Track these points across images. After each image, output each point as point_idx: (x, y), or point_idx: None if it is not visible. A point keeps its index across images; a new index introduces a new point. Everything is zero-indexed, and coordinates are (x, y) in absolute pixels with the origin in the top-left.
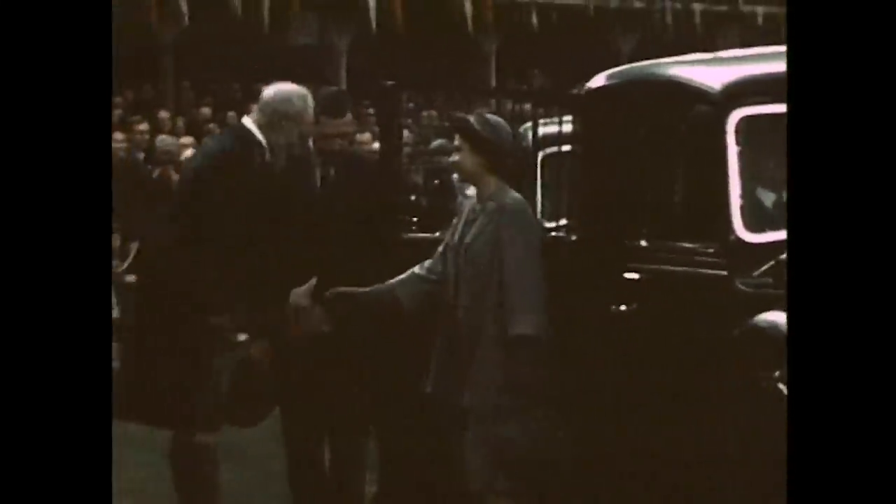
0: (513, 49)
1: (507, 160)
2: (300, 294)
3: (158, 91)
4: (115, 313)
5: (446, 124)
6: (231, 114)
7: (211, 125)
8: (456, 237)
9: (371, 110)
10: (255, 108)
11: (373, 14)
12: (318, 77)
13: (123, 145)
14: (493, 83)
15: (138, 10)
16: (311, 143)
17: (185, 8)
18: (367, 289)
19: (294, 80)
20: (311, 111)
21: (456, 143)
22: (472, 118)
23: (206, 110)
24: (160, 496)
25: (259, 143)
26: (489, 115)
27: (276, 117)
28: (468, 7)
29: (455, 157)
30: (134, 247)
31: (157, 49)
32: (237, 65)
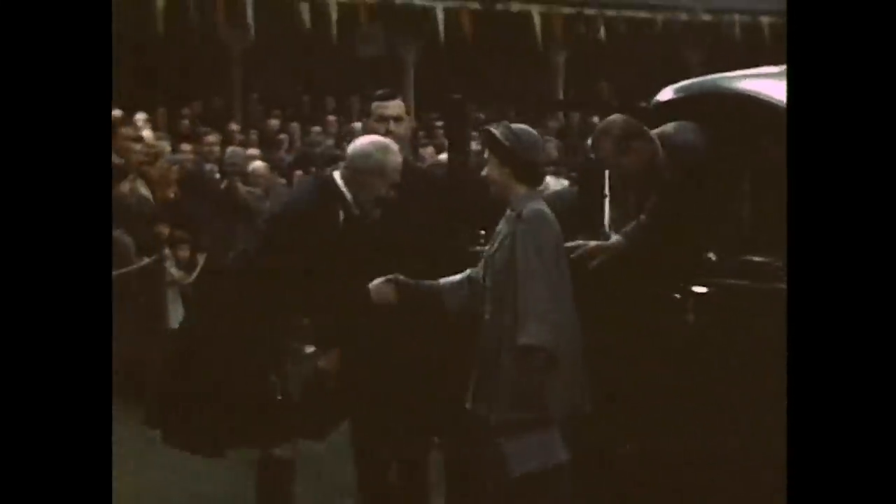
0: (581, 61)
1: (532, 169)
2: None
3: (226, 103)
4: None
5: None
6: (294, 124)
7: (281, 136)
8: (490, 248)
9: (439, 123)
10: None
11: (441, 26)
12: (385, 89)
13: (191, 157)
14: (561, 95)
15: (207, 21)
16: None
17: (252, 20)
18: (419, 282)
19: (361, 93)
20: (393, 162)
21: (486, 155)
22: (496, 129)
23: (274, 122)
24: None
25: (343, 196)
26: (515, 125)
27: (357, 173)
28: (537, 19)
29: (485, 171)
30: (202, 258)
31: (225, 61)
32: (305, 76)
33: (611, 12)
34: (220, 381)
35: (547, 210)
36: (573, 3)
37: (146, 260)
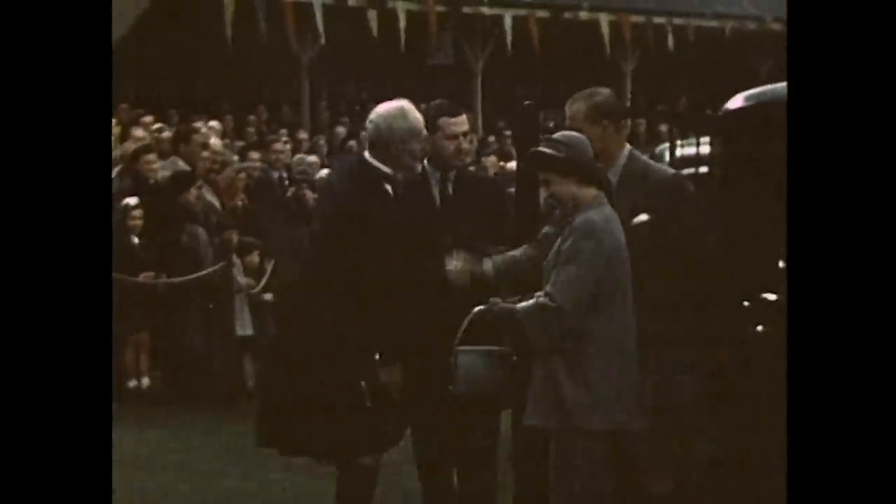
0: (649, 70)
1: (591, 169)
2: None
3: (295, 110)
4: (250, 331)
5: None
6: (362, 132)
7: (351, 143)
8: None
9: (507, 132)
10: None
11: (508, 34)
12: (453, 97)
13: (259, 164)
14: (629, 104)
15: (276, 29)
16: (425, 162)
17: (321, 27)
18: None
19: (429, 101)
20: (416, 119)
21: (541, 177)
22: (542, 148)
23: (340, 129)
24: None
25: (384, 173)
26: (558, 135)
27: (391, 144)
28: (605, 27)
29: (549, 191)
30: (270, 266)
31: (293, 69)
32: (373, 84)
33: (679, 21)
34: (315, 390)
35: (599, 219)
36: (642, 11)
37: (214, 266)
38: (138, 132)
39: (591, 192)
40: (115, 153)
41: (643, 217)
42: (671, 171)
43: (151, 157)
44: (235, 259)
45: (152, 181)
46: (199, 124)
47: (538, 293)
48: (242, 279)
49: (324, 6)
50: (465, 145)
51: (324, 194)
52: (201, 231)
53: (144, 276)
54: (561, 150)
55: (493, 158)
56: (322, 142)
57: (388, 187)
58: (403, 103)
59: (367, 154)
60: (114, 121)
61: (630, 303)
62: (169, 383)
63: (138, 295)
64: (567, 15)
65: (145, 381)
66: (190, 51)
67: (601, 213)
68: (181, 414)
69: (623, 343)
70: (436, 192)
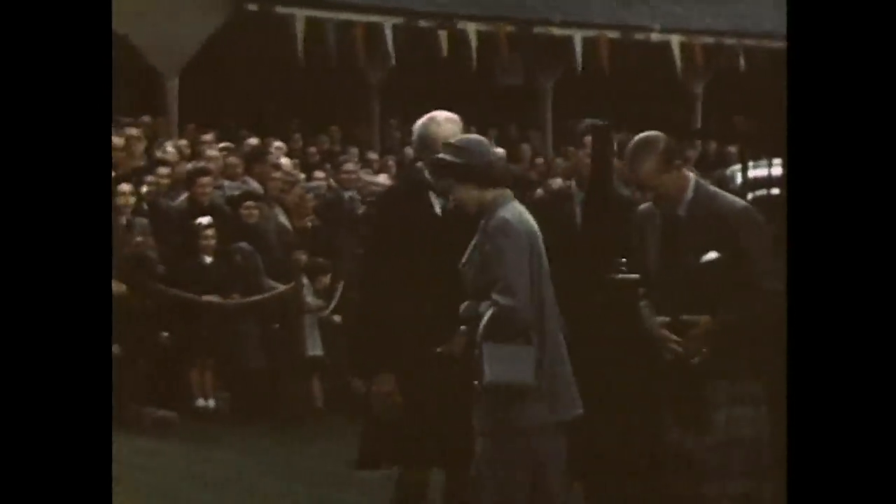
0: (720, 91)
1: (489, 170)
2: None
3: (365, 130)
4: (320, 352)
5: None
6: None
7: (419, 164)
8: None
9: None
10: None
11: (579, 55)
12: (523, 117)
13: (326, 183)
14: (700, 124)
15: (346, 48)
16: (573, 182)
17: (391, 48)
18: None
19: (499, 122)
20: (446, 131)
21: (441, 185)
22: (441, 155)
23: (409, 150)
24: None
25: (428, 182)
26: (455, 140)
27: (420, 154)
28: (676, 49)
29: (452, 198)
30: (340, 287)
31: (363, 88)
32: (443, 105)
33: (749, 42)
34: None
35: (511, 216)
36: (713, 33)
37: (282, 287)
38: (212, 152)
39: (491, 193)
40: (180, 171)
41: (713, 255)
42: (741, 202)
43: (207, 179)
44: (305, 280)
45: (207, 203)
46: (253, 140)
47: (486, 302)
48: (312, 300)
49: (394, 27)
50: None
51: None
52: (247, 247)
53: (206, 297)
54: (461, 156)
55: (559, 180)
56: (391, 162)
57: (434, 198)
58: (443, 112)
59: (420, 162)
60: (184, 141)
61: (551, 292)
62: (236, 403)
63: (206, 314)
64: (638, 36)
65: (211, 401)
66: (261, 70)
67: (511, 211)
68: (249, 435)
69: (554, 331)
70: (578, 211)
